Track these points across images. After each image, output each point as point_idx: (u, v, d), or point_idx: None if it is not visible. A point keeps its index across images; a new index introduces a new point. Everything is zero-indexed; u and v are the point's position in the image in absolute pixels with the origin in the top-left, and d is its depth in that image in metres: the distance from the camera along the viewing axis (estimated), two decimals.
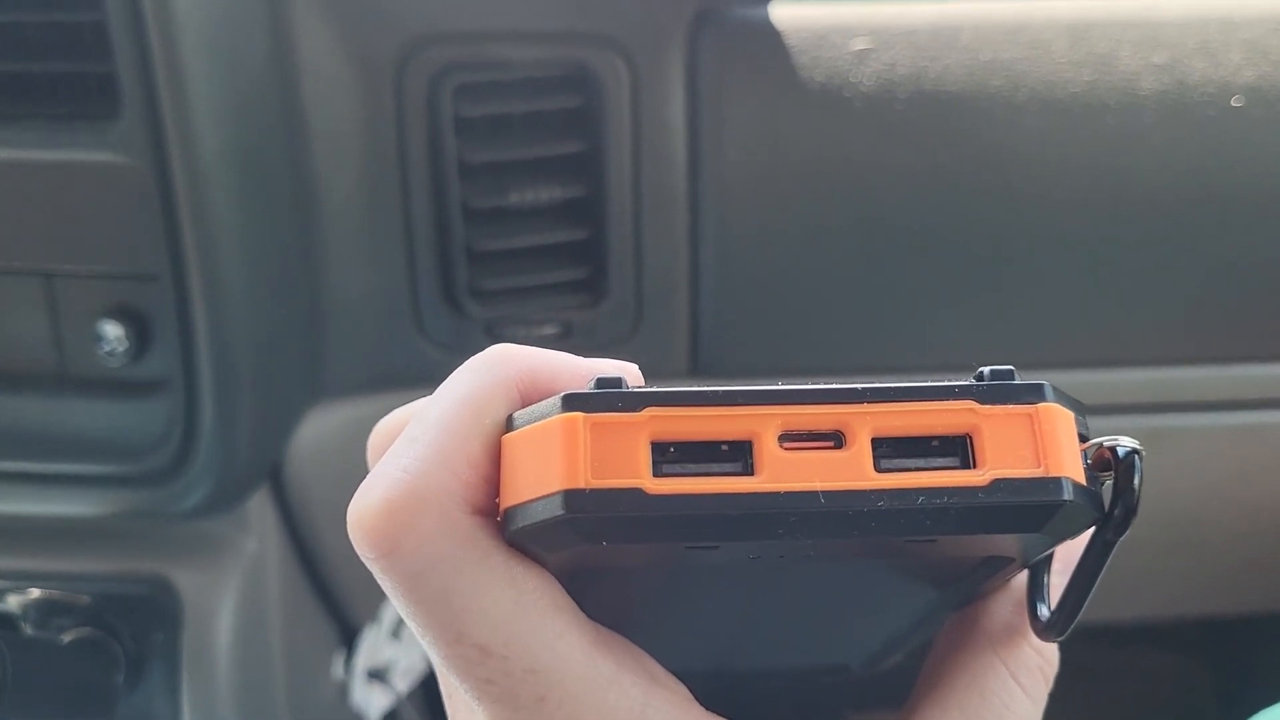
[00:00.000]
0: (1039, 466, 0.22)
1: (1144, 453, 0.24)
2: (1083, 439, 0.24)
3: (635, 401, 0.22)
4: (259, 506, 0.71)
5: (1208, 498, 0.79)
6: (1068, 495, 0.22)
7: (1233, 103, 0.66)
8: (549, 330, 0.68)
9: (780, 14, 0.65)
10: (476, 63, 0.63)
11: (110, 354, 0.63)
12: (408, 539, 0.23)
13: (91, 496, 0.66)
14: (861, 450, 0.22)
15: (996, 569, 0.25)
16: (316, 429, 0.69)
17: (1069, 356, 0.72)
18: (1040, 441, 0.22)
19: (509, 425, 0.24)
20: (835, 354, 0.70)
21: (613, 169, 0.65)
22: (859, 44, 0.65)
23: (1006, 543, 0.23)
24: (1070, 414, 0.23)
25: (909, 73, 0.65)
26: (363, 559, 0.23)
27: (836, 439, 0.22)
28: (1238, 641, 1.04)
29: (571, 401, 0.22)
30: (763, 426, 0.22)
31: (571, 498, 0.22)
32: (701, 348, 0.70)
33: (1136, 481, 0.23)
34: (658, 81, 0.64)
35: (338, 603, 0.80)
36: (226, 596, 0.69)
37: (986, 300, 0.69)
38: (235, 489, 0.67)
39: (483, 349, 0.25)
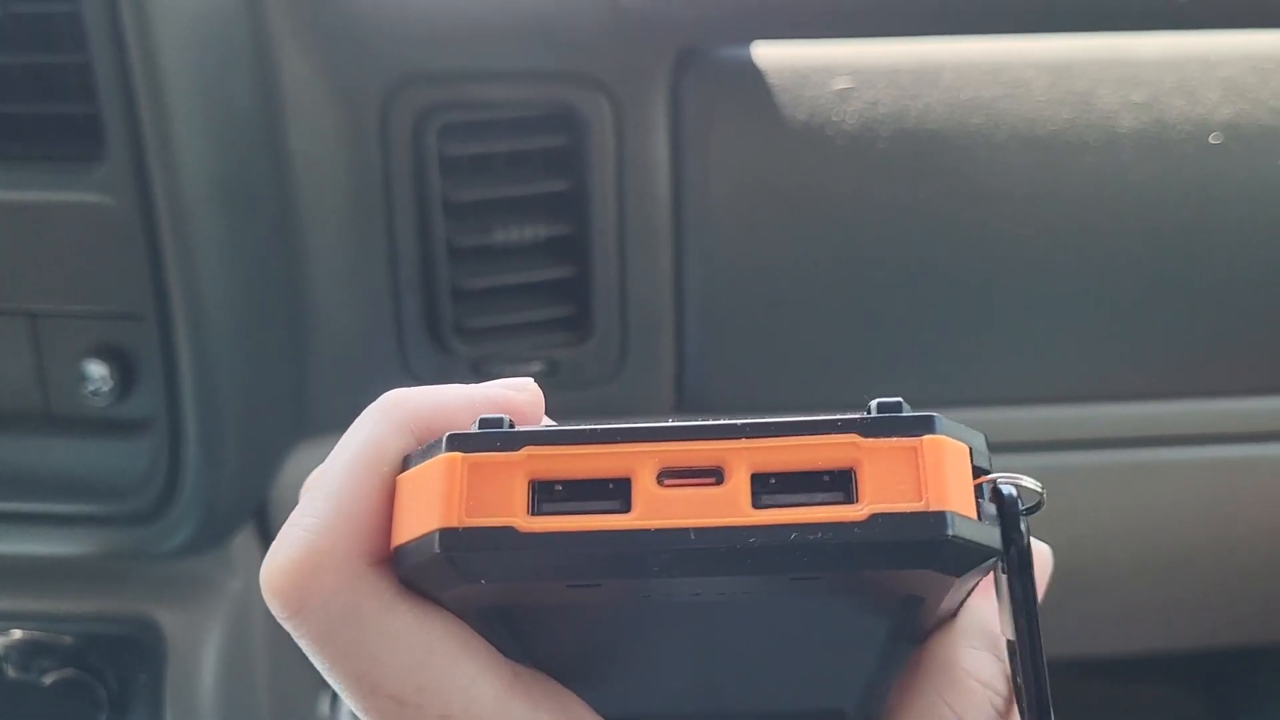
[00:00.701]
0: (921, 501, 0.22)
1: (1038, 489, 0.23)
2: (984, 473, 0.23)
3: (513, 441, 0.23)
4: (244, 545, 0.71)
5: (1193, 531, 0.79)
6: (951, 530, 0.21)
7: (1211, 140, 0.67)
8: (535, 367, 0.69)
9: (763, 53, 0.65)
10: (461, 102, 0.64)
11: (95, 393, 0.63)
12: (313, 598, 0.23)
13: (76, 536, 0.66)
14: (738, 486, 0.22)
15: (924, 606, 0.25)
16: (301, 467, 0.69)
17: (1052, 391, 0.72)
18: (924, 475, 0.22)
19: (404, 465, 0.24)
20: (820, 387, 0.70)
21: (597, 207, 0.65)
22: (841, 83, 0.65)
23: (914, 579, 0.22)
24: (963, 447, 0.23)
25: (891, 111, 0.65)
26: (276, 618, 0.24)
27: (716, 475, 0.22)
28: (1227, 673, 1.04)
29: (453, 442, 0.23)
30: (640, 464, 0.22)
31: (446, 536, 0.22)
32: (687, 383, 0.70)
33: (1022, 522, 0.23)
34: (641, 121, 0.64)
35: None
36: (211, 636, 0.69)
37: (969, 334, 0.69)
38: (220, 528, 0.67)
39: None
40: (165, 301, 0.60)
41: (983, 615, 0.27)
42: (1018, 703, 0.26)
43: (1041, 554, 0.28)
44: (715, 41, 0.65)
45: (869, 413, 0.23)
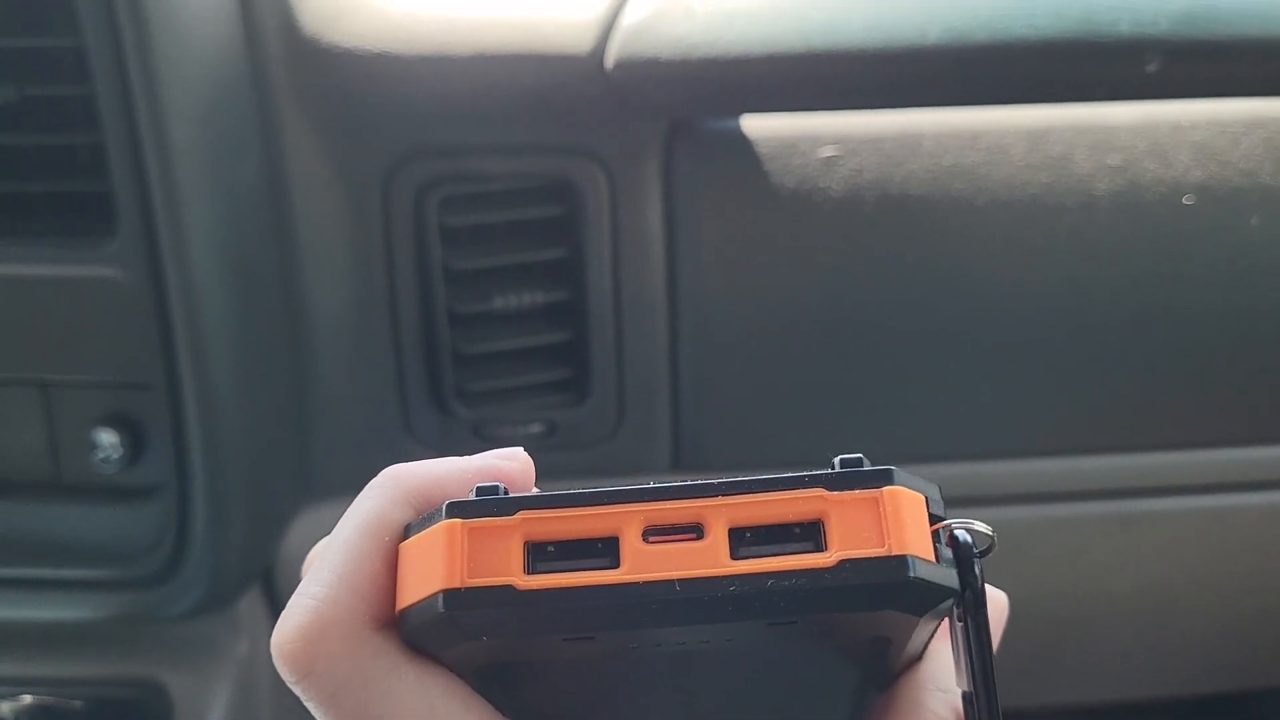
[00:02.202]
0: (883, 546, 0.23)
1: (990, 533, 0.25)
2: (939, 519, 0.25)
3: (509, 506, 0.25)
4: (250, 608, 0.72)
5: (1182, 580, 0.81)
6: (913, 572, 0.23)
7: (1184, 201, 0.69)
8: (534, 429, 0.70)
9: (751, 125, 0.68)
10: (461, 175, 0.66)
11: (105, 461, 0.64)
12: (319, 662, 0.25)
13: (85, 601, 0.67)
14: (717, 540, 0.24)
15: (890, 649, 0.26)
16: (307, 530, 0.70)
17: (1040, 445, 0.74)
18: (886, 523, 0.24)
19: (405, 534, 0.26)
20: (812, 445, 0.72)
21: (593, 274, 0.67)
22: (827, 151, 0.68)
23: (881, 620, 0.24)
24: (919, 496, 0.24)
25: (875, 178, 0.68)
26: (286, 682, 0.25)
27: (697, 531, 0.24)
28: (1219, 719, 1.04)
29: (453, 509, 0.25)
30: (626, 523, 0.24)
31: (449, 596, 0.24)
32: (683, 443, 0.72)
33: (976, 564, 0.25)
34: (635, 191, 0.66)
35: None
36: (218, 698, 0.70)
37: (956, 391, 0.71)
38: (227, 591, 0.68)
39: (470, 449, 0.28)
40: (174, 371, 0.62)
41: (946, 662, 0.29)
42: None
43: (997, 600, 0.30)
44: (705, 114, 0.67)
45: (833, 468, 0.25)
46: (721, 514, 0.24)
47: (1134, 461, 0.75)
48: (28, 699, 0.66)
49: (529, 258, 0.68)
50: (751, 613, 0.23)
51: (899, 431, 0.72)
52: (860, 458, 0.25)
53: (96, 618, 0.68)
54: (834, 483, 0.24)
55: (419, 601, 0.24)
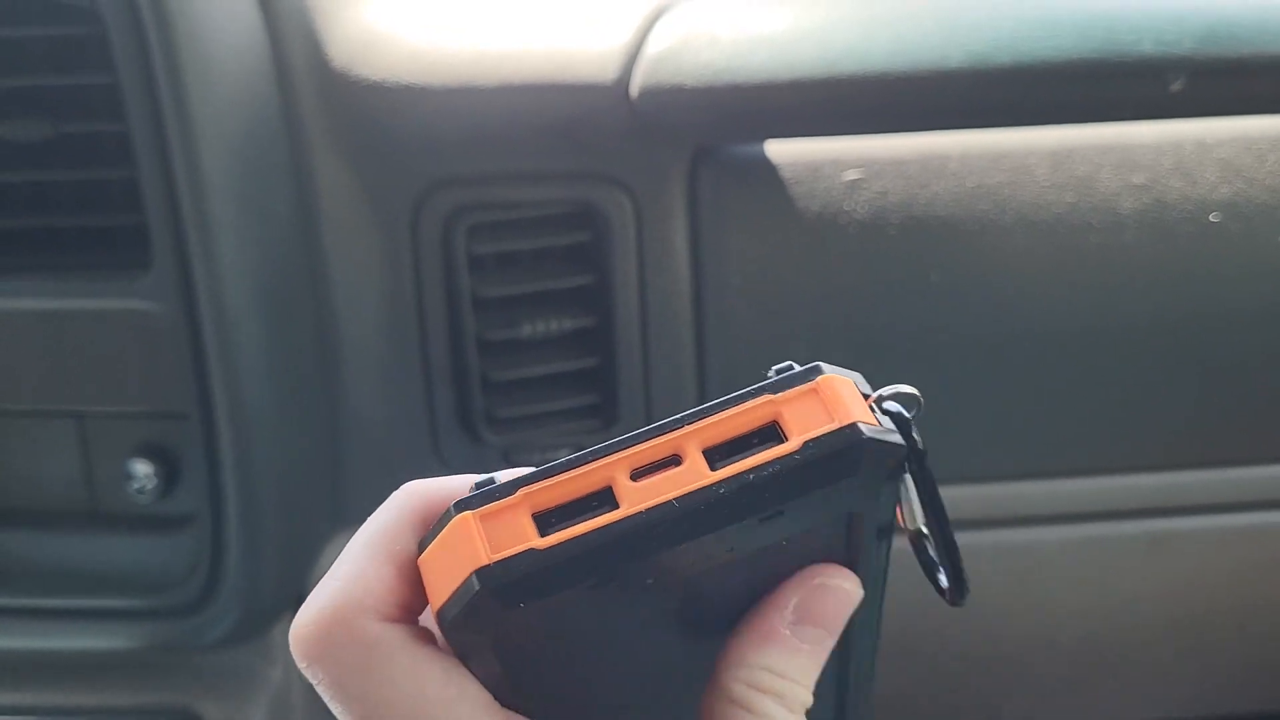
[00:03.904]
0: (834, 422, 0.27)
1: (916, 393, 0.29)
2: (868, 396, 0.28)
3: (509, 489, 0.27)
4: (283, 635, 0.72)
5: (1213, 599, 0.80)
6: (866, 434, 0.27)
7: (1210, 219, 0.69)
8: (563, 454, 0.71)
9: (775, 149, 0.68)
10: (488, 203, 0.66)
11: (140, 491, 0.65)
12: (328, 648, 0.27)
13: (120, 630, 0.67)
14: (696, 461, 0.27)
15: (862, 536, 0.29)
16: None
17: (1068, 464, 0.74)
18: (829, 405, 0.27)
19: (420, 549, 0.28)
20: None
21: (620, 299, 0.68)
22: (851, 175, 0.68)
23: (848, 494, 0.27)
24: (849, 379, 0.28)
25: (899, 200, 0.68)
26: (298, 666, 0.28)
27: (676, 460, 0.27)
28: None
29: (460, 506, 0.27)
30: (614, 471, 0.27)
31: (481, 574, 0.26)
32: None
33: (912, 426, 0.28)
34: (661, 216, 0.67)
35: None
36: None
37: (983, 412, 0.71)
38: (260, 619, 0.68)
39: None
40: (208, 401, 0.63)
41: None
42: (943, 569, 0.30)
43: (849, 586, 0.31)
44: (730, 140, 0.67)
45: (769, 378, 0.28)
46: (692, 440, 0.27)
47: (1163, 480, 0.74)
48: None
49: (556, 284, 0.68)
50: (743, 509, 0.26)
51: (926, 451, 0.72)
52: (790, 364, 0.28)
53: (131, 647, 0.68)
54: (776, 388, 0.28)
55: (454, 593, 0.26)
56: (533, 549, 0.26)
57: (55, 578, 0.67)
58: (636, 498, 0.26)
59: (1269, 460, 0.74)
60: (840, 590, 0.30)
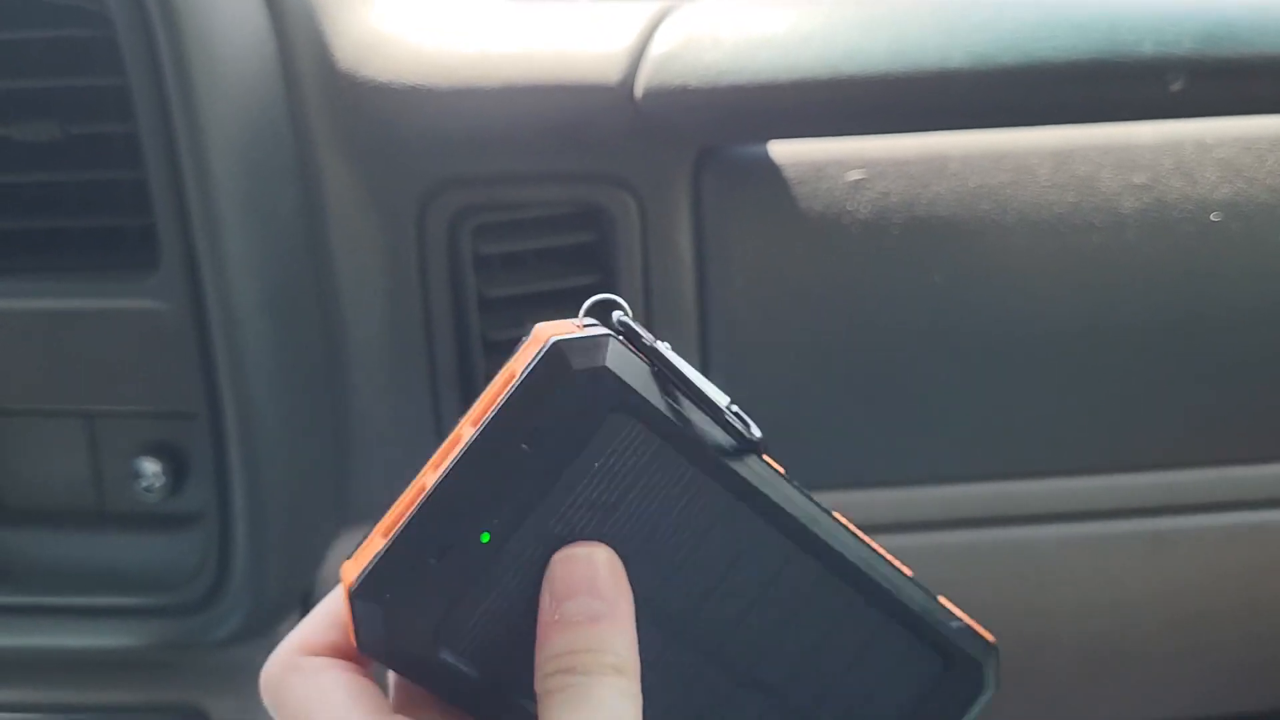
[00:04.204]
0: (537, 348, 0.33)
1: (606, 298, 0.36)
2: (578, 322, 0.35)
3: (367, 553, 0.34)
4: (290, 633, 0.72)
5: (1214, 599, 0.81)
6: (557, 340, 0.33)
7: (1211, 218, 0.69)
8: None
9: (778, 150, 0.69)
10: (494, 204, 0.67)
11: (148, 489, 0.65)
12: (277, 686, 0.35)
13: (128, 628, 0.68)
14: (466, 433, 0.33)
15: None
16: (344, 555, 0.71)
17: (1070, 463, 0.74)
18: (540, 341, 0.33)
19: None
20: (843, 466, 0.73)
21: (625, 299, 0.68)
22: (853, 175, 0.68)
23: (579, 402, 0.34)
24: (564, 322, 0.34)
25: (901, 200, 0.68)
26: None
27: (456, 441, 0.34)
28: None
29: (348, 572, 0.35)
30: (425, 476, 0.34)
31: (352, 587, 0.33)
32: None
33: (614, 316, 0.35)
34: (665, 217, 0.67)
35: None
36: None
37: (985, 413, 0.72)
38: (268, 617, 0.69)
39: None
40: (216, 400, 0.63)
41: None
42: None
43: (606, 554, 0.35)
44: (733, 141, 0.68)
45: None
46: (465, 423, 0.34)
47: (1165, 479, 0.75)
48: None
49: (561, 284, 0.69)
50: (501, 442, 0.32)
51: (929, 451, 0.72)
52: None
53: (138, 645, 0.69)
54: (512, 356, 0.34)
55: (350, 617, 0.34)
56: (376, 550, 0.33)
57: (64, 576, 0.67)
58: (431, 479, 0.33)
59: (1270, 459, 0.75)
60: (576, 558, 0.34)
